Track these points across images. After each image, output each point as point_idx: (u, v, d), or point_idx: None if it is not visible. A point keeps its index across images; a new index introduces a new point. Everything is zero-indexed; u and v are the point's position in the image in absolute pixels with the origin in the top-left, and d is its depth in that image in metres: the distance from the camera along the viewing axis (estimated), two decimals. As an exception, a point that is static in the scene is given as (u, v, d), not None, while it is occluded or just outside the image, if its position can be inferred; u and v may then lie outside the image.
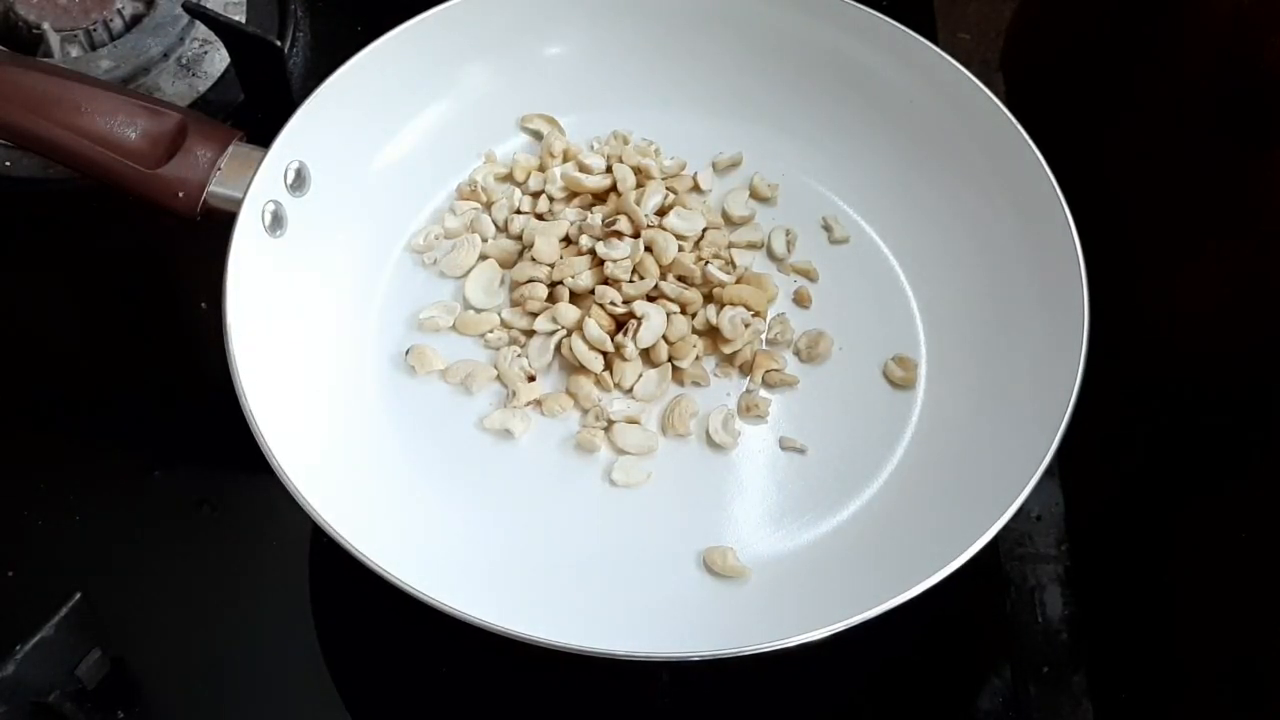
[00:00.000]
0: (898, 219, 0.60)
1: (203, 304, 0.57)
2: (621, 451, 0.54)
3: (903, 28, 0.59)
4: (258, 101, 0.63)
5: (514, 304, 0.57)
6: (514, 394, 0.54)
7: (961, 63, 0.58)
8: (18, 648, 0.44)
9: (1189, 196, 0.57)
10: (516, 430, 0.54)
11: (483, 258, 0.58)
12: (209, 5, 0.62)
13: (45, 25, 0.62)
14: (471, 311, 0.57)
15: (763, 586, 0.50)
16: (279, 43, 0.59)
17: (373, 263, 0.58)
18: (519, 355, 0.55)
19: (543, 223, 0.59)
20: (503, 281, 0.58)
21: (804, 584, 0.50)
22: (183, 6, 0.63)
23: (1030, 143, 0.55)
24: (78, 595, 0.46)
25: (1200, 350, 0.57)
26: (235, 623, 0.52)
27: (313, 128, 0.55)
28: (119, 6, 0.64)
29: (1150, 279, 0.60)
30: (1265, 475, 0.52)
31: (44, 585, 0.52)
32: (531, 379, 0.55)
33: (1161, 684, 0.55)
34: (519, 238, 0.59)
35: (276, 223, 0.54)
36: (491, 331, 0.56)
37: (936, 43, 0.59)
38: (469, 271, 0.58)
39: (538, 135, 0.62)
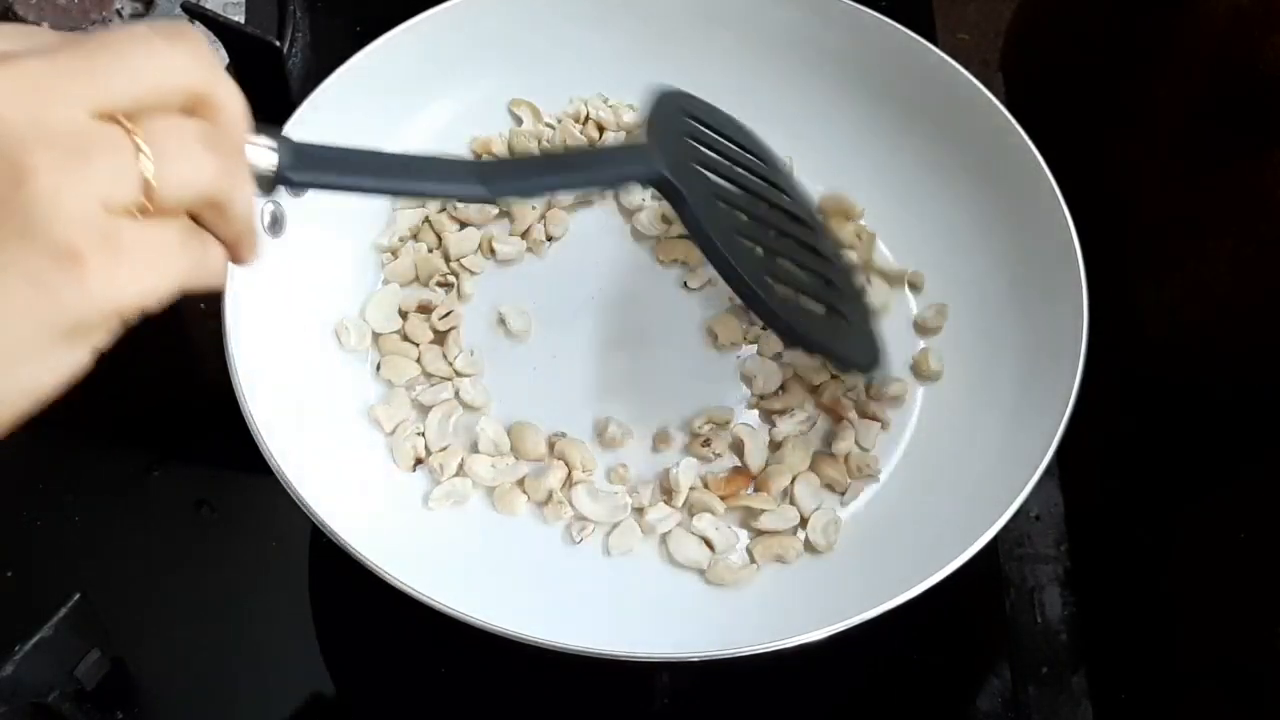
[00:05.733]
0: (896, 219, 0.60)
1: (202, 304, 0.57)
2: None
3: (902, 28, 0.59)
4: (257, 101, 0.63)
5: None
6: (441, 468, 0.52)
7: (961, 63, 0.58)
8: (17, 648, 0.44)
9: (1188, 196, 0.57)
10: (471, 495, 0.52)
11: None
12: (208, 5, 0.62)
13: (45, 25, 0.62)
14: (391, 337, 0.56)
15: (763, 586, 0.50)
16: (278, 43, 0.59)
17: (372, 263, 0.58)
18: (418, 433, 0.53)
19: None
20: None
21: (804, 584, 0.50)
22: (181, 7, 0.62)
23: (1030, 143, 0.55)
24: (77, 595, 0.46)
25: (1200, 350, 0.57)
26: (235, 623, 0.52)
27: (312, 128, 0.54)
28: (118, 6, 0.64)
29: (1150, 279, 0.60)
30: (1265, 475, 0.52)
31: (43, 585, 0.52)
32: (419, 462, 0.52)
33: (1161, 684, 0.55)
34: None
35: (275, 223, 0.53)
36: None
37: (936, 43, 0.59)
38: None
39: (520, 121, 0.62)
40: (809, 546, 0.51)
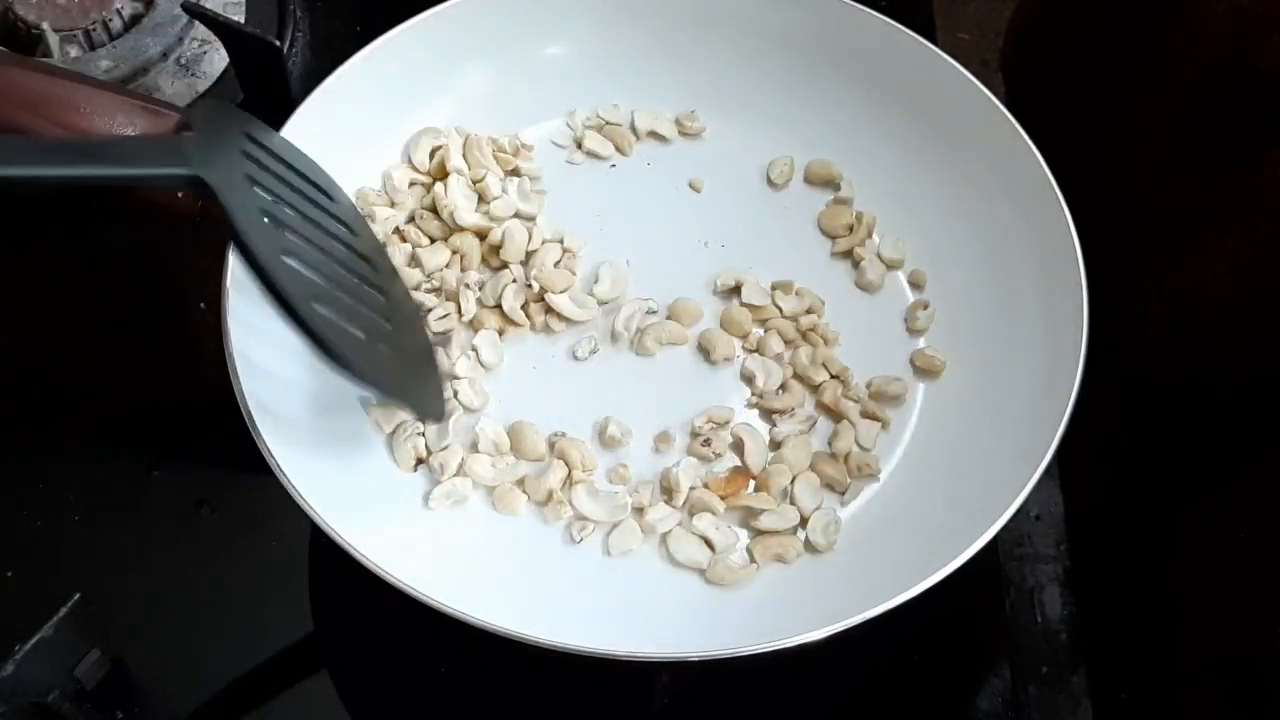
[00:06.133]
0: (896, 218, 0.60)
1: (202, 304, 0.57)
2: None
3: (902, 28, 0.59)
4: (257, 101, 0.63)
5: None
6: (441, 467, 0.52)
7: (961, 63, 0.58)
8: (17, 648, 0.44)
9: (1189, 196, 0.57)
10: (471, 495, 0.52)
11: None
12: (208, 5, 0.62)
13: (44, 25, 0.62)
14: None
15: (763, 586, 0.50)
16: (278, 43, 0.59)
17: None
18: (418, 433, 0.53)
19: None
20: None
21: (804, 584, 0.50)
22: (182, 6, 0.63)
23: (1030, 143, 0.55)
24: (77, 595, 0.46)
25: (1200, 350, 0.57)
26: (235, 623, 0.52)
27: (312, 128, 0.54)
28: (118, 6, 0.64)
29: (1150, 279, 0.60)
30: (1265, 475, 0.52)
31: (43, 585, 0.52)
32: (419, 462, 0.52)
33: (1161, 684, 0.55)
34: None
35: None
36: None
37: (936, 43, 0.59)
38: None
39: None
40: (809, 546, 0.51)
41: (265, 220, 0.44)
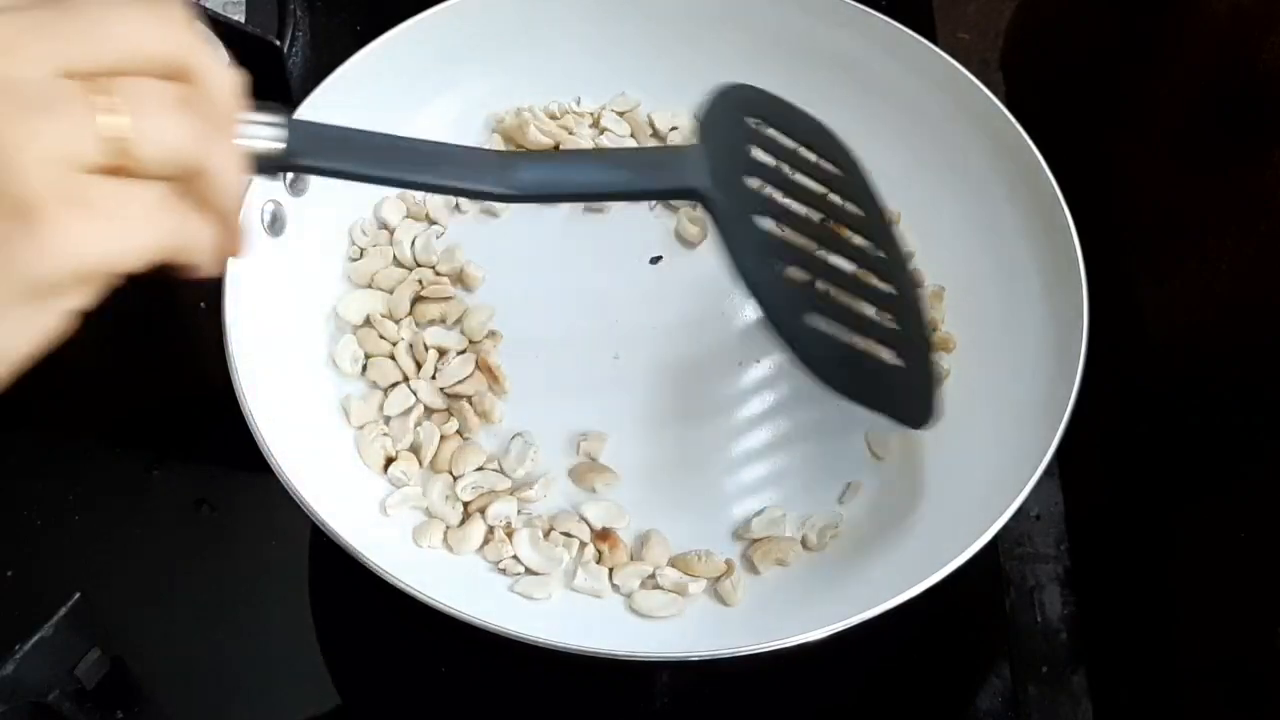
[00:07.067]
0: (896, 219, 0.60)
1: (203, 304, 0.57)
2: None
3: (902, 28, 0.59)
4: (257, 101, 0.63)
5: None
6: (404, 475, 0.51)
7: (961, 63, 0.58)
8: (17, 647, 0.44)
9: (1189, 196, 0.57)
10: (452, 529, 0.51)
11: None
12: (208, 5, 0.62)
13: (45, 25, 0.62)
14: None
15: (763, 587, 0.50)
16: (278, 42, 0.59)
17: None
18: (384, 434, 0.52)
19: None
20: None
21: (804, 584, 0.50)
22: (182, 6, 0.62)
23: (1030, 143, 0.55)
24: (77, 595, 0.46)
25: (1200, 351, 0.57)
26: (235, 623, 0.52)
27: (312, 127, 0.54)
28: (118, 6, 0.64)
29: (1150, 279, 0.60)
30: (1265, 475, 0.52)
31: (43, 585, 0.52)
32: (391, 461, 0.51)
33: (1161, 684, 0.55)
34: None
35: (276, 223, 0.54)
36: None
37: (936, 43, 0.59)
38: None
39: None
40: (807, 547, 0.51)
41: (754, 223, 0.43)
